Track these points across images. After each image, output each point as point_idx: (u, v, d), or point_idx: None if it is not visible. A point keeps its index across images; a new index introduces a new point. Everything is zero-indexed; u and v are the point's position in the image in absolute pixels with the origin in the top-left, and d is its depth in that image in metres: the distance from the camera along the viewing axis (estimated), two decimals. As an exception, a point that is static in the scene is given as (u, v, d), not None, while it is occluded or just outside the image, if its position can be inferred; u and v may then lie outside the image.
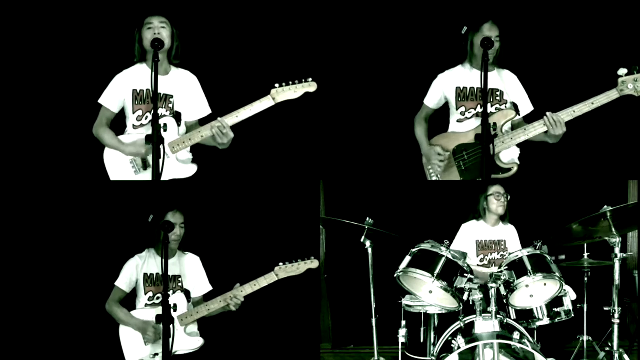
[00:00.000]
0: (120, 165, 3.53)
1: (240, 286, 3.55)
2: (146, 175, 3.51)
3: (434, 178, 3.72)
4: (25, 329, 4.09)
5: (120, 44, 3.66)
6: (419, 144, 3.79)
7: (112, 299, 3.66)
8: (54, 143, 4.07)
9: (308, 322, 4.29)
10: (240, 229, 4.24)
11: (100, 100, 3.56)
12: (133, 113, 3.53)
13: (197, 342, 3.57)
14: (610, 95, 3.44)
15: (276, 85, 3.42)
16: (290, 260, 3.55)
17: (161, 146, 3.20)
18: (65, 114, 4.04)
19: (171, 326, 3.24)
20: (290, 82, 3.42)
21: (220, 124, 3.40)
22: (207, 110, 3.64)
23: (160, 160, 3.17)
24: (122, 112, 3.58)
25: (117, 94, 3.54)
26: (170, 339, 3.23)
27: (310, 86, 3.44)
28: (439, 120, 3.80)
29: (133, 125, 3.53)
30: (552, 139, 3.52)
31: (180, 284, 3.65)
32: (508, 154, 3.65)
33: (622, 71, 3.41)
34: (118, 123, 3.61)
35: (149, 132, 3.24)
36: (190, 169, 3.60)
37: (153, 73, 3.21)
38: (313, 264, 3.56)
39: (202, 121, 3.60)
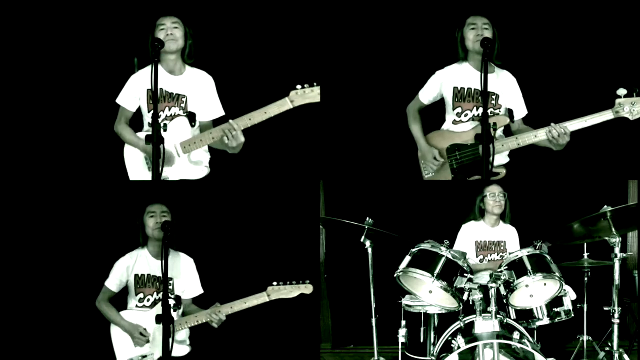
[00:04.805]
0: (136, 162, 3.54)
1: (228, 304, 3.48)
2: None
3: (427, 175, 3.72)
4: (17, 326, 4.08)
5: (138, 43, 3.64)
6: (415, 140, 3.76)
7: (102, 298, 3.65)
8: (53, 143, 4.08)
9: (308, 322, 4.29)
10: (240, 229, 4.23)
11: (117, 100, 3.58)
12: (149, 112, 3.52)
13: (183, 350, 3.56)
14: (605, 115, 3.36)
15: (298, 87, 3.29)
16: (285, 281, 3.47)
17: (161, 146, 3.18)
18: (80, 114, 4.07)
19: (171, 326, 3.22)
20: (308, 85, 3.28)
21: (230, 126, 3.33)
22: (220, 112, 3.60)
23: (160, 160, 3.15)
24: (139, 110, 3.60)
25: (132, 93, 3.56)
26: (171, 339, 3.21)
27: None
28: (434, 116, 3.79)
29: (149, 123, 3.50)
30: (556, 147, 3.46)
31: (170, 288, 3.58)
32: (496, 158, 3.62)
33: (621, 91, 3.31)
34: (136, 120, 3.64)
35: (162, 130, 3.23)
36: (201, 171, 3.56)
37: (152, 73, 3.17)
38: (307, 289, 3.48)
39: (216, 123, 3.54)
